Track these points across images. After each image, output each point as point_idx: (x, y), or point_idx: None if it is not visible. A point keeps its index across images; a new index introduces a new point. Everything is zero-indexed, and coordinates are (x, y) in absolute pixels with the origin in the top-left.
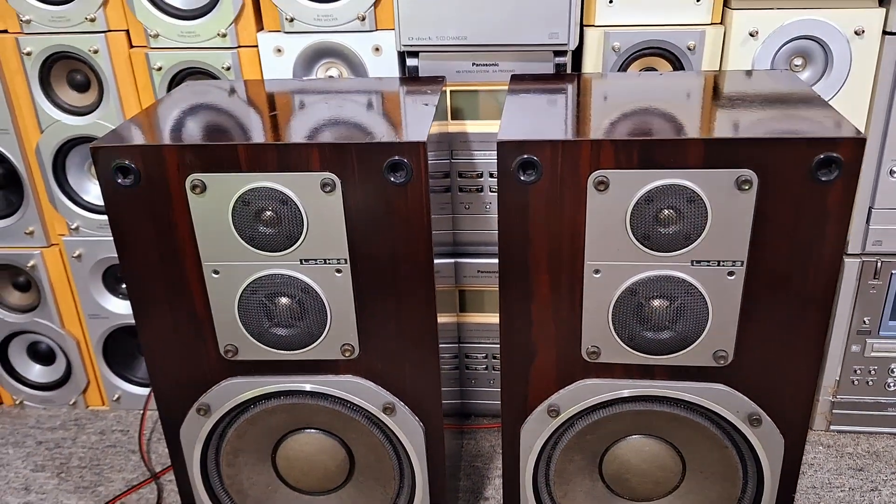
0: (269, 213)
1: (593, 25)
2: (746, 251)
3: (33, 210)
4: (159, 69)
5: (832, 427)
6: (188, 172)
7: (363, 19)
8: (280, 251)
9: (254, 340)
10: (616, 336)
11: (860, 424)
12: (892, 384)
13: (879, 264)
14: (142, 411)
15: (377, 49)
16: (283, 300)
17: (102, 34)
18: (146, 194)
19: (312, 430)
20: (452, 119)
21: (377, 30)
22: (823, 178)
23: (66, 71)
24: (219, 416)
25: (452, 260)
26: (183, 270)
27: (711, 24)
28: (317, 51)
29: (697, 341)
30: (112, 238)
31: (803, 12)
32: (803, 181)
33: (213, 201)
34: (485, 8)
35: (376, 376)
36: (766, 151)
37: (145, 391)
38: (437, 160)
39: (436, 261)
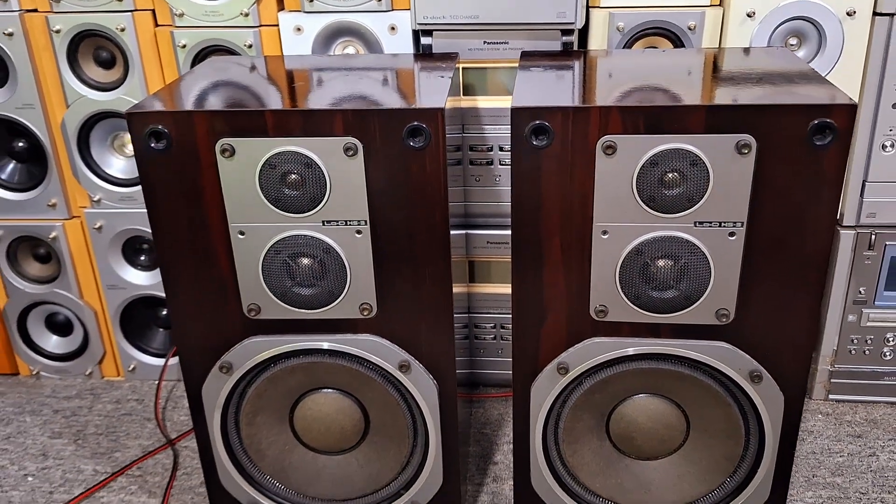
0: (294, 175)
1: (599, 7)
2: (746, 212)
3: (56, 183)
4: (183, 47)
5: (831, 396)
6: (218, 137)
7: (380, 0)
8: (304, 213)
9: (276, 300)
10: (623, 295)
11: (858, 393)
12: (888, 353)
13: (874, 236)
14: (157, 381)
15: (393, 28)
16: (306, 260)
17: (129, 13)
18: (177, 158)
19: (329, 390)
20: (464, 95)
21: (393, 10)
22: (818, 143)
23: (93, 48)
24: (240, 375)
25: (463, 231)
26: (209, 231)
27: (711, 5)
28: (335, 30)
29: (700, 300)
30: (132, 210)
31: None
32: (799, 146)
33: (241, 165)
34: None
35: (393, 335)
36: (764, 117)
37: (160, 361)
38: (450, 134)
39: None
